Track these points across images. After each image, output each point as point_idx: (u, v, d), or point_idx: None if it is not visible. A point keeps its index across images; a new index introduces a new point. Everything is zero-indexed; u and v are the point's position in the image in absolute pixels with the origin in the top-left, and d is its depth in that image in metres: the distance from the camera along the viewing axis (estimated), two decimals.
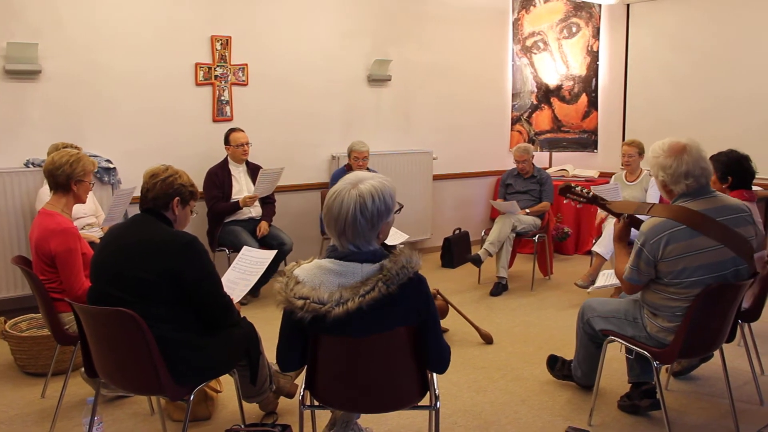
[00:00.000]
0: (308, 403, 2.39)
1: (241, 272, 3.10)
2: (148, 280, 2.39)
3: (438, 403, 2.38)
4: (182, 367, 2.45)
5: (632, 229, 3.18)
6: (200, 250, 2.49)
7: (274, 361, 3.15)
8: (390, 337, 2.15)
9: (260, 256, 3.22)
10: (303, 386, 2.36)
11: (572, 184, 3.41)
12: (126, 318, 2.31)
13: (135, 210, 4.59)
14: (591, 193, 3.36)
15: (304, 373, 2.39)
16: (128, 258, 2.43)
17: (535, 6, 7.44)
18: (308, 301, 2.06)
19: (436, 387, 2.39)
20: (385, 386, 2.27)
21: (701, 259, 2.75)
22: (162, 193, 2.56)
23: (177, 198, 2.59)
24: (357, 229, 2.08)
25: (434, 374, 2.38)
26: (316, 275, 2.13)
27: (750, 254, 2.83)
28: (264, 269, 3.14)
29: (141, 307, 2.36)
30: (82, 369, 3.32)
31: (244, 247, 3.34)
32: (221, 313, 2.59)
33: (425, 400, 2.39)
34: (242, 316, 2.83)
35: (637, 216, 3.15)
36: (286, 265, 5.18)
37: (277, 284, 2.16)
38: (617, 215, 3.25)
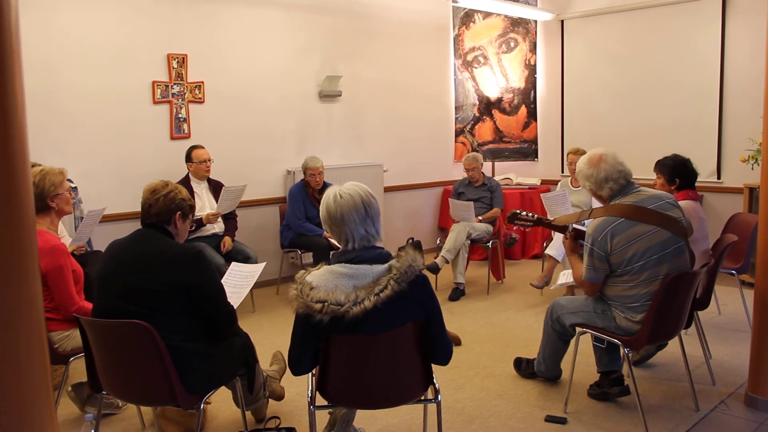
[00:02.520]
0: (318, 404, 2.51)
1: (232, 286, 3.19)
2: (159, 291, 2.46)
3: (440, 396, 2.54)
4: (193, 377, 2.52)
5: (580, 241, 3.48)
6: (208, 261, 2.59)
7: (265, 368, 3.29)
8: (400, 333, 2.31)
9: (249, 270, 3.32)
10: (313, 387, 2.48)
11: (517, 211, 3.72)
12: (139, 330, 2.37)
13: (102, 230, 4.67)
14: (535, 216, 3.70)
15: (306, 376, 2.52)
16: (138, 271, 2.49)
17: (474, 22, 7.77)
18: (326, 303, 2.19)
19: (436, 382, 2.55)
20: (394, 381, 2.42)
21: (645, 243, 3.09)
22: (165, 208, 2.63)
23: (179, 212, 2.68)
24: (374, 209, 2.34)
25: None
26: (330, 279, 2.27)
27: (683, 232, 3.19)
28: (254, 281, 3.23)
29: (152, 318, 2.42)
30: (69, 388, 3.34)
31: (233, 263, 3.43)
32: (226, 321, 2.68)
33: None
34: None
35: (579, 228, 3.50)
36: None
37: (292, 291, 2.28)
38: (562, 230, 3.55)
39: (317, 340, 2.33)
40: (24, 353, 1.24)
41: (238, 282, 3.25)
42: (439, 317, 2.40)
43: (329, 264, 2.36)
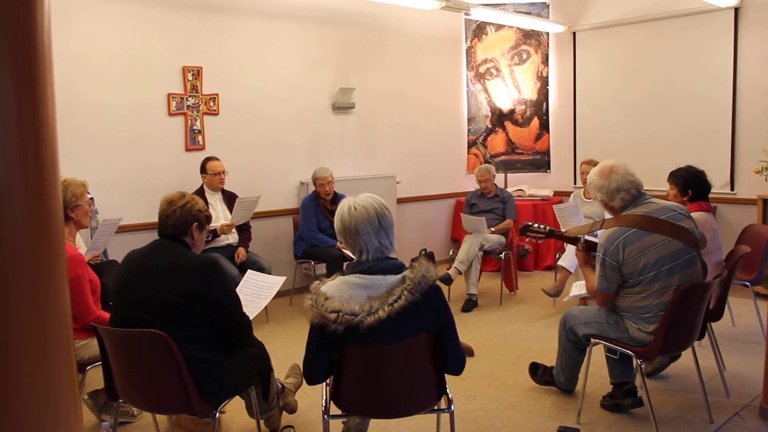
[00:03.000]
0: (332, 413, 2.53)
1: (249, 295, 3.21)
2: (176, 302, 2.50)
3: (453, 405, 2.56)
4: (208, 385, 2.55)
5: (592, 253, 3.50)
6: (223, 272, 2.62)
7: (281, 380, 3.32)
8: (414, 343, 2.33)
9: (268, 281, 3.34)
10: (327, 397, 2.51)
11: (529, 223, 3.74)
12: (156, 339, 2.40)
13: (118, 241, 4.73)
14: (547, 228, 3.74)
15: (321, 386, 2.55)
16: (156, 282, 2.53)
17: (486, 34, 7.81)
18: (341, 313, 2.22)
19: (449, 392, 2.57)
20: (407, 391, 2.43)
21: (657, 253, 3.10)
22: (181, 219, 2.68)
23: (195, 223, 2.72)
24: (388, 221, 2.38)
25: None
26: (344, 290, 2.29)
27: (695, 243, 3.19)
28: (273, 294, 3.26)
29: (168, 328, 2.46)
30: (86, 396, 3.38)
31: (249, 271, 3.46)
32: (241, 331, 2.71)
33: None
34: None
35: (591, 239, 3.52)
36: None
37: (307, 302, 2.31)
38: (574, 242, 3.57)
39: (332, 349, 2.36)
40: (52, 358, 1.27)
41: (254, 291, 3.27)
42: (453, 327, 2.42)
43: (343, 274, 2.39)
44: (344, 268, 2.45)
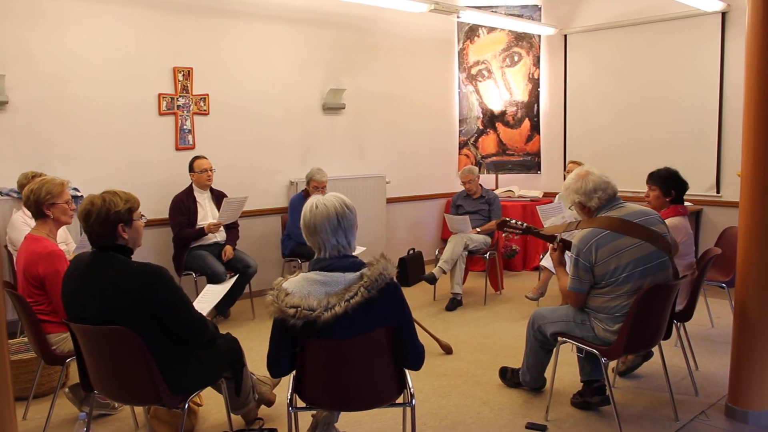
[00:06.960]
0: (297, 405, 2.61)
1: (204, 302, 3.35)
2: (126, 319, 2.50)
3: (414, 400, 2.64)
4: (177, 378, 2.63)
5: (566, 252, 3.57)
6: (168, 278, 2.60)
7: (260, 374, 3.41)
8: (371, 338, 2.41)
9: (220, 289, 3.53)
10: (291, 389, 2.59)
11: (507, 219, 3.82)
12: (125, 335, 2.47)
13: None
14: (525, 225, 3.81)
15: (288, 379, 2.63)
16: (101, 305, 2.53)
17: (479, 36, 7.88)
18: (299, 308, 2.30)
19: (410, 386, 2.65)
20: (367, 385, 2.52)
21: (629, 255, 3.18)
22: (104, 230, 2.61)
23: (120, 224, 2.65)
24: (348, 220, 2.44)
25: (408, 375, 2.64)
26: (304, 286, 2.38)
27: (667, 247, 3.27)
28: (224, 293, 3.41)
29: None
30: (67, 389, 3.47)
31: (207, 285, 3.67)
32: (195, 332, 2.72)
33: (400, 400, 2.65)
34: (227, 332, 3.07)
35: (567, 239, 3.60)
36: (251, 287, 5.44)
37: (268, 297, 2.40)
38: (550, 240, 3.65)
39: (293, 343, 2.44)
40: None
41: (209, 299, 3.42)
42: (410, 324, 2.49)
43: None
44: (308, 264, 2.53)
